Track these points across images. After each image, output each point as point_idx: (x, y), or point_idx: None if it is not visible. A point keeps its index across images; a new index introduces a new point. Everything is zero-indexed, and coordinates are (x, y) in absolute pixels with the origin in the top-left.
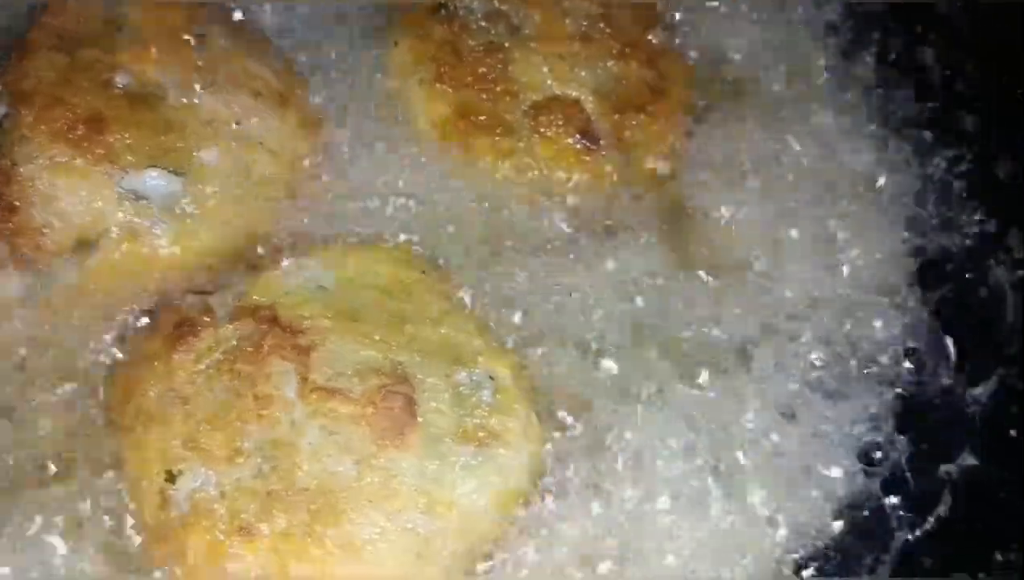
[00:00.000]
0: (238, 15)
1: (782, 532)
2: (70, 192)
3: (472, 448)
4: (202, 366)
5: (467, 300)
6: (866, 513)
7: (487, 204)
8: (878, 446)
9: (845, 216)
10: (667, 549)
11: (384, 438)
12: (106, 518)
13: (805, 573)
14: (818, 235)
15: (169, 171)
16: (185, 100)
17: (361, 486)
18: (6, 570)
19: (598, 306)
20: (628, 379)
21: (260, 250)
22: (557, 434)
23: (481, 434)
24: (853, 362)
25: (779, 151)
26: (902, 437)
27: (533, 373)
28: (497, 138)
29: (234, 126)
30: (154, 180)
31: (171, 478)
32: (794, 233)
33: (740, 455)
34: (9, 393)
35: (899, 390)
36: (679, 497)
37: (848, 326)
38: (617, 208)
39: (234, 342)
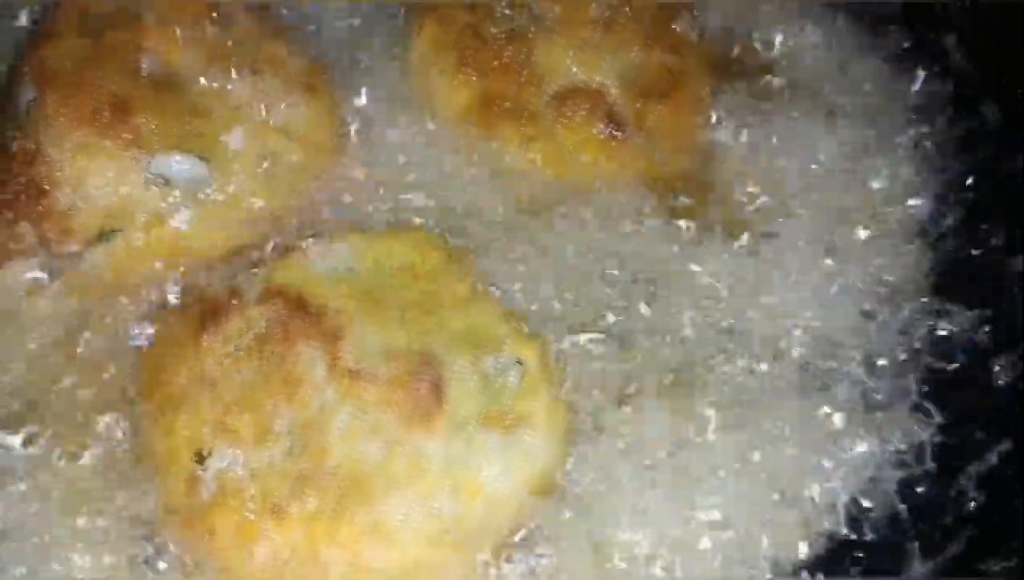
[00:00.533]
0: (263, 1)
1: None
2: (97, 175)
3: (499, 432)
4: (230, 349)
5: (491, 286)
6: None
7: (511, 191)
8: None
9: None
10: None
11: (411, 421)
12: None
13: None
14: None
15: (195, 156)
16: (210, 85)
17: (389, 469)
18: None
19: (623, 293)
20: (649, 366)
21: (285, 235)
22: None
23: (508, 419)
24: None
25: (801, 139)
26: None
27: (557, 359)
28: (521, 125)
29: (260, 112)
30: (180, 164)
31: (200, 459)
32: (808, 216)
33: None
34: (35, 378)
35: None
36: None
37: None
38: (641, 195)
39: (262, 326)
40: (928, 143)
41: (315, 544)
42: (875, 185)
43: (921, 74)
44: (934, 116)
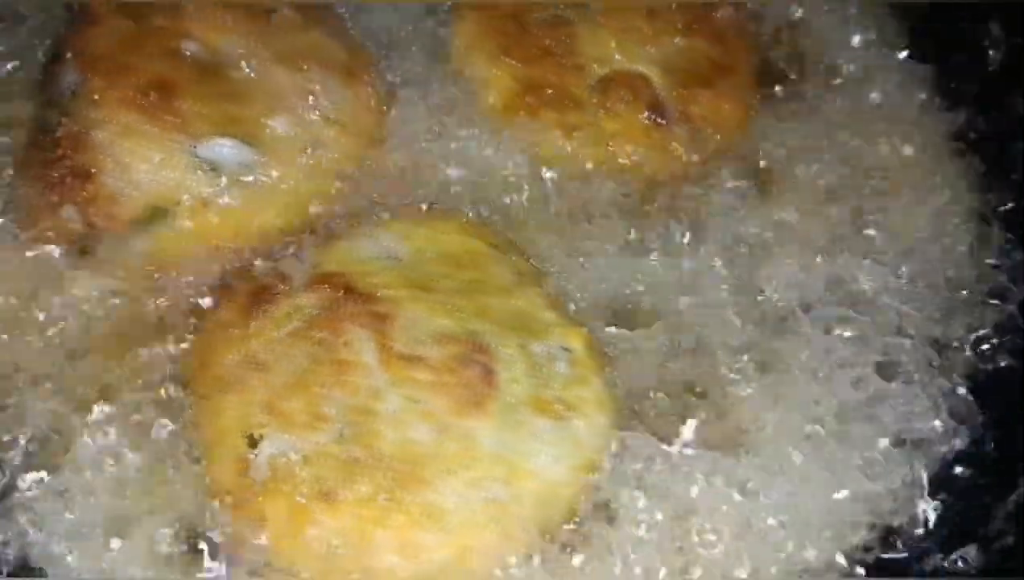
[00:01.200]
0: None
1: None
2: (143, 160)
3: (549, 419)
4: (280, 333)
5: (536, 272)
6: None
7: (554, 178)
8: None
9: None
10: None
11: (463, 406)
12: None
13: None
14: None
15: (240, 140)
16: (254, 70)
17: (441, 454)
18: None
19: (662, 283)
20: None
21: (330, 220)
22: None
23: (558, 405)
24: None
25: (839, 131)
26: None
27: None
28: (564, 112)
29: (303, 98)
30: (226, 149)
31: (252, 443)
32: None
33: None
34: (82, 363)
35: None
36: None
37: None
38: (684, 183)
39: (311, 310)
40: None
41: (366, 529)
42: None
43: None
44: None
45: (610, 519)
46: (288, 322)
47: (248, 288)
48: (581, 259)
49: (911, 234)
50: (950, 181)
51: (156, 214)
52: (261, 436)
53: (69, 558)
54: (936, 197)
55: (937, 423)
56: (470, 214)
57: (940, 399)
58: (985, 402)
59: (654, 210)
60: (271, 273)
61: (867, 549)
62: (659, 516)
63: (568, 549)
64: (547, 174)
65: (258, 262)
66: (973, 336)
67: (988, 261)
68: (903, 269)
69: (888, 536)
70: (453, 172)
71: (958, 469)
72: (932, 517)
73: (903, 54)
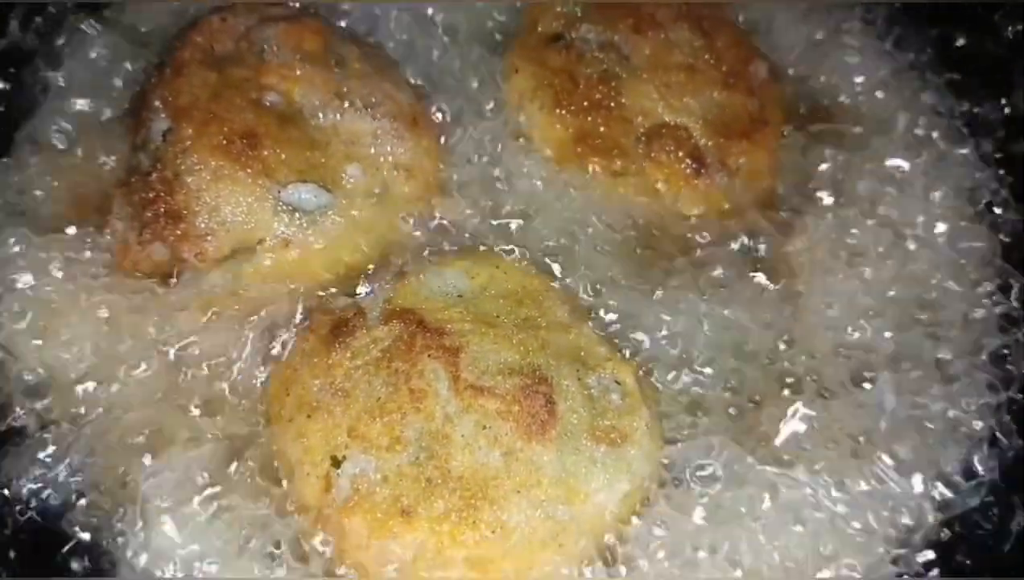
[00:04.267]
0: (369, 40)
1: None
2: (233, 203)
3: (605, 446)
4: (359, 362)
5: (586, 309)
6: None
7: (603, 222)
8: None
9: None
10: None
11: (529, 433)
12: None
13: None
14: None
15: (319, 185)
16: (328, 120)
17: (509, 476)
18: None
19: (706, 325)
20: (723, 392)
21: (398, 259)
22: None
23: (612, 434)
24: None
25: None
26: None
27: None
28: (611, 160)
29: (372, 145)
30: (307, 194)
31: (336, 463)
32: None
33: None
34: (174, 388)
35: None
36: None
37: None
38: (723, 228)
39: (387, 342)
40: None
41: (441, 543)
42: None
43: None
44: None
45: (656, 537)
46: (366, 353)
47: (329, 321)
48: (627, 298)
49: None
50: None
51: (241, 252)
52: (344, 457)
53: None
54: None
55: None
56: (525, 253)
57: None
58: None
59: (695, 252)
60: (350, 308)
61: None
62: (703, 535)
63: (619, 564)
64: (596, 218)
65: (335, 297)
66: None
67: None
68: None
69: None
70: (510, 214)
71: None
72: None
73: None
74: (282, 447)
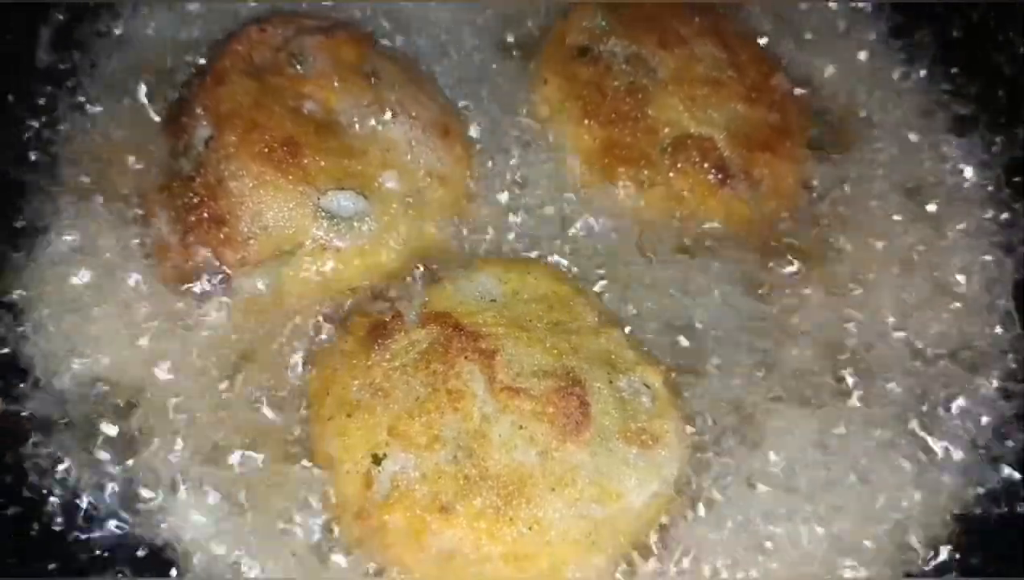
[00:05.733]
0: (403, 53)
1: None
2: (275, 208)
3: (637, 447)
4: (397, 364)
5: (614, 314)
6: None
7: (630, 230)
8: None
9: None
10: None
11: (564, 433)
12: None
13: None
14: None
15: (357, 192)
16: (364, 129)
17: (544, 475)
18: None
19: (729, 331)
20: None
21: (432, 264)
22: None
23: (643, 436)
24: None
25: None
26: None
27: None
28: (638, 170)
29: (408, 153)
30: (345, 200)
31: (377, 461)
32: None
33: None
34: (211, 387)
35: None
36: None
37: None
38: (746, 238)
39: (424, 345)
40: None
41: (478, 540)
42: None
43: None
44: None
45: (687, 532)
46: (405, 354)
47: (367, 323)
48: (652, 304)
49: None
50: None
51: (281, 256)
52: (385, 455)
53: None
54: None
55: None
56: (556, 259)
57: None
58: None
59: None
60: (388, 311)
61: None
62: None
63: (650, 563)
64: (624, 226)
65: (372, 300)
66: None
67: None
68: None
69: None
70: (540, 221)
71: None
72: None
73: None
74: (322, 446)
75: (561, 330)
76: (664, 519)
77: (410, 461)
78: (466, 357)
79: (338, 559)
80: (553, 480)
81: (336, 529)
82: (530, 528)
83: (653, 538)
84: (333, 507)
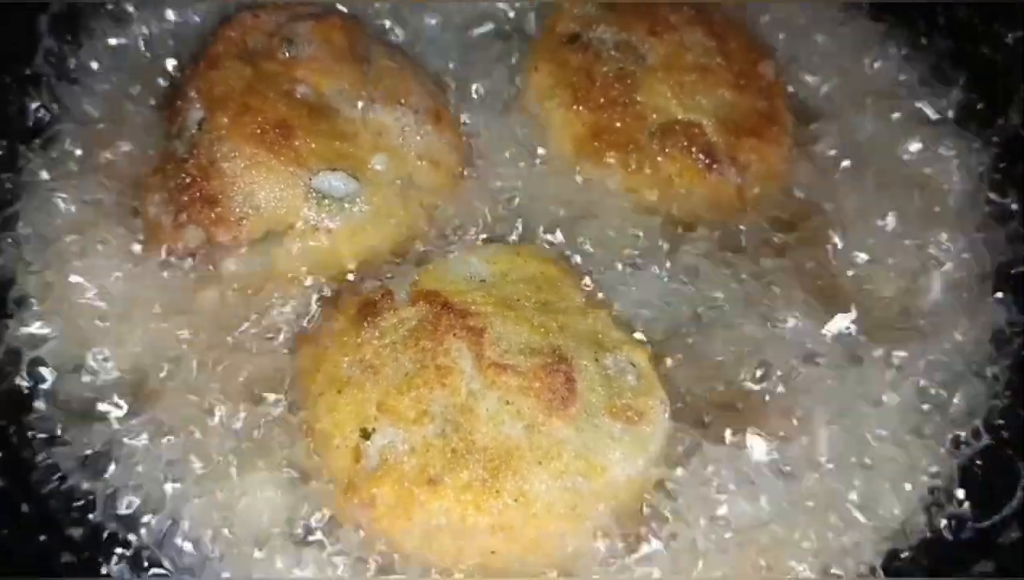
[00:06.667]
0: (395, 39)
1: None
2: (266, 189)
3: (621, 423)
4: (387, 341)
5: (601, 296)
6: None
7: (617, 213)
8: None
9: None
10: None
11: (550, 408)
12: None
13: None
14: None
15: (348, 174)
16: (356, 113)
17: (531, 449)
18: None
19: (716, 311)
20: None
21: (421, 246)
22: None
23: (628, 412)
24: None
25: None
26: None
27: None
28: (626, 155)
29: (397, 138)
30: (336, 181)
31: (366, 435)
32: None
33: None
34: (203, 365)
35: None
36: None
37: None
38: (733, 221)
39: (413, 322)
40: None
41: (465, 511)
42: None
43: None
44: None
45: (671, 509)
46: (394, 332)
47: (357, 301)
48: (636, 285)
49: None
50: None
51: (272, 236)
52: (374, 429)
53: None
54: None
55: None
56: (544, 241)
57: None
58: None
59: (703, 244)
60: (377, 290)
61: None
62: (715, 507)
63: (635, 532)
64: (611, 209)
65: (361, 279)
66: None
67: None
68: None
69: None
70: (528, 205)
71: None
72: None
73: None
74: (312, 422)
75: (549, 310)
76: (648, 493)
77: (399, 435)
78: (455, 334)
79: (323, 536)
80: (539, 454)
81: (324, 507)
82: (516, 500)
83: (638, 511)
84: (322, 484)
